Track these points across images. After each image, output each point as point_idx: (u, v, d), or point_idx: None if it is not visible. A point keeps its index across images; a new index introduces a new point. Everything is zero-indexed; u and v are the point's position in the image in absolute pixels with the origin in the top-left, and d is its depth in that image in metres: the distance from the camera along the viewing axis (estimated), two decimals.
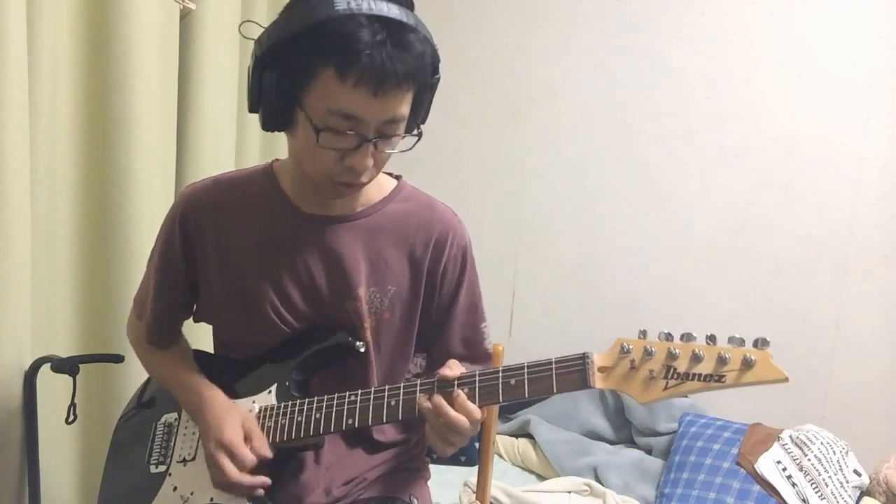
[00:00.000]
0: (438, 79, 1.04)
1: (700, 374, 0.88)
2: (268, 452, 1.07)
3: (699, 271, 2.43)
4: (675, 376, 0.89)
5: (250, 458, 1.05)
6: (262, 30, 0.99)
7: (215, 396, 1.13)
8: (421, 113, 1.05)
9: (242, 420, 1.09)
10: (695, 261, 2.44)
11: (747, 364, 0.86)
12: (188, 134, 1.90)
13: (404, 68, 0.94)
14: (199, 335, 1.31)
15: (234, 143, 2.09)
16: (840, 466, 2.01)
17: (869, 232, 2.25)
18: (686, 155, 2.42)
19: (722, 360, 0.87)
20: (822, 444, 2.03)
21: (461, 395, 0.97)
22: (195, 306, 1.25)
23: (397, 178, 1.20)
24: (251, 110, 1.03)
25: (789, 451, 2.03)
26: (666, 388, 0.90)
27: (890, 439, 2.22)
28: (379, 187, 1.16)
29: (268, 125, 1.03)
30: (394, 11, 0.94)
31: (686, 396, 2.25)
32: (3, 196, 1.36)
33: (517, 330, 2.64)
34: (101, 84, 1.60)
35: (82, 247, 1.64)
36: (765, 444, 2.05)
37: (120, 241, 1.65)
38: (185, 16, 1.84)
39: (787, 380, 0.85)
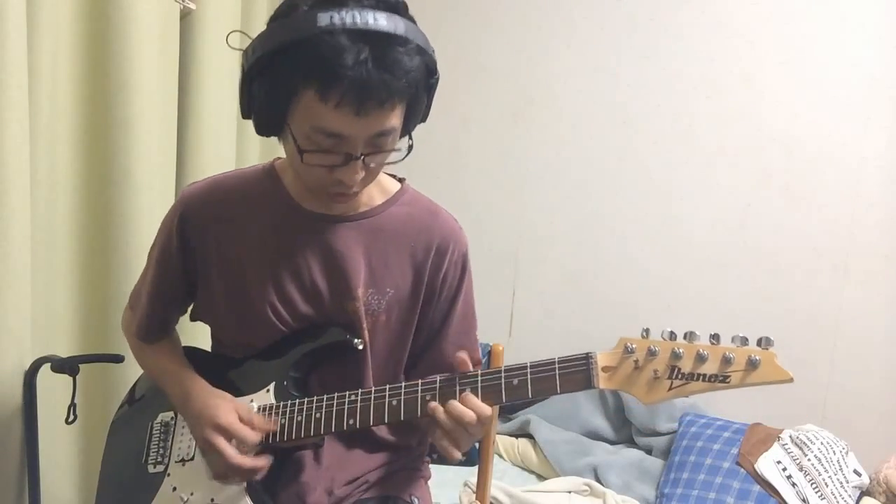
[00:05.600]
0: (437, 79, 1.01)
1: (705, 375, 0.88)
2: (271, 425, 1.06)
3: (699, 271, 2.43)
4: (680, 376, 0.89)
5: (252, 437, 1.04)
6: (251, 40, 0.98)
7: (202, 387, 1.13)
8: (417, 117, 1.03)
9: (235, 405, 1.08)
10: (695, 261, 2.44)
11: (752, 364, 0.86)
12: (188, 134, 1.90)
13: (389, 86, 0.90)
14: (197, 335, 1.31)
15: (235, 142, 2.09)
16: (840, 466, 2.01)
17: (869, 232, 2.25)
18: (686, 155, 2.42)
19: (726, 361, 0.87)
20: (822, 444, 2.03)
21: (468, 392, 0.98)
22: (193, 305, 1.24)
23: (401, 180, 1.19)
24: (244, 117, 1.03)
25: (789, 451, 2.03)
26: (671, 389, 0.89)
27: (890, 439, 2.22)
28: (382, 189, 1.15)
29: (260, 132, 1.03)
30: (381, 22, 0.90)
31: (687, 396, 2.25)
32: (3, 196, 1.36)
33: (517, 330, 2.64)
34: (101, 84, 1.60)
35: (82, 247, 1.64)
36: (765, 444, 2.05)
37: (120, 242, 1.66)
38: (185, 16, 1.84)
39: (792, 380, 0.85)
